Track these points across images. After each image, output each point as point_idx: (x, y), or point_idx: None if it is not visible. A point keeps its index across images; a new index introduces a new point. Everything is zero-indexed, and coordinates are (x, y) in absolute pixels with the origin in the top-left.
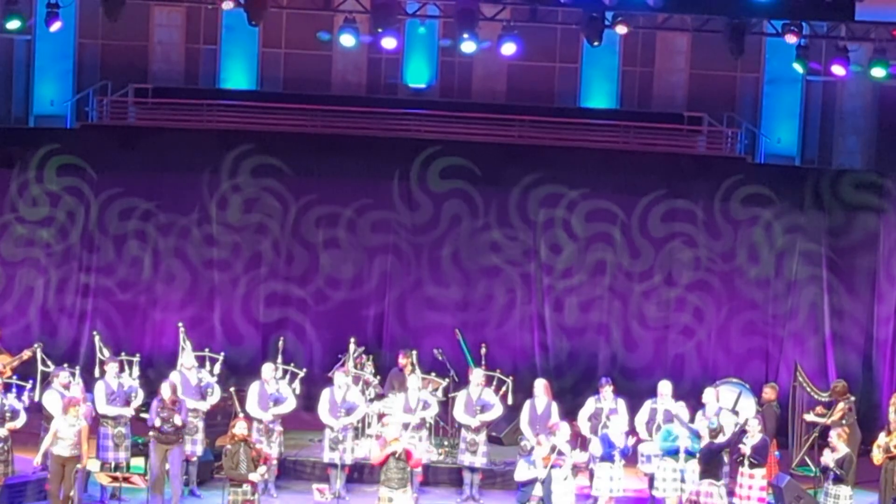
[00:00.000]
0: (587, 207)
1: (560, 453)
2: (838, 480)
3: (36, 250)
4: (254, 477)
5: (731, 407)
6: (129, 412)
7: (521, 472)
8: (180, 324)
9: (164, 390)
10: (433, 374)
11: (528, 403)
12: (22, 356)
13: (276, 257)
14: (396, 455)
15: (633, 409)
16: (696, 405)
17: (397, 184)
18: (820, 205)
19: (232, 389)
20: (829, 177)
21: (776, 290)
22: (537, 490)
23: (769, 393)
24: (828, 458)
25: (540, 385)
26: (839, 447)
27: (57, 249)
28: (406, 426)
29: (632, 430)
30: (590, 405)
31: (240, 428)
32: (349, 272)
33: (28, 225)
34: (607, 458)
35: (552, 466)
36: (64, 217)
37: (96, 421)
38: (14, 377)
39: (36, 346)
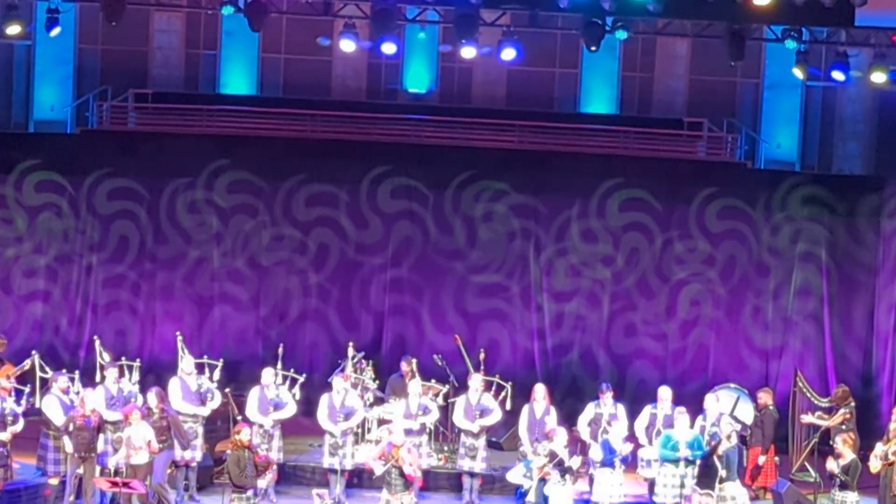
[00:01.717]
0: (587, 212)
1: (560, 463)
2: (844, 487)
3: (36, 254)
4: (261, 483)
5: (729, 412)
6: None
7: (515, 475)
8: (178, 333)
9: (151, 399)
10: (433, 380)
11: (526, 408)
12: (24, 366)
13: (275, 262)
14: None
15: (632, 415)
16: (696, 411)
17: (396, 188)
18: (819, 210)
19: (227, 390)
20: (829, 182)
21: (776, 295)
22: (531, 496)
23: (764, 398)
24: (833, 465)
25: (539, 390)
26: (845, 453)
27: (57, 253)
28: (408, 432)
29: (631, 436)
30: (589, 410)
31: (244, 434)
32: (349, 277)
33: (28, 229)
34: (608, 463)
35: (542, 478)
36: (64, 220)
37: None
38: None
39: (34, 353)
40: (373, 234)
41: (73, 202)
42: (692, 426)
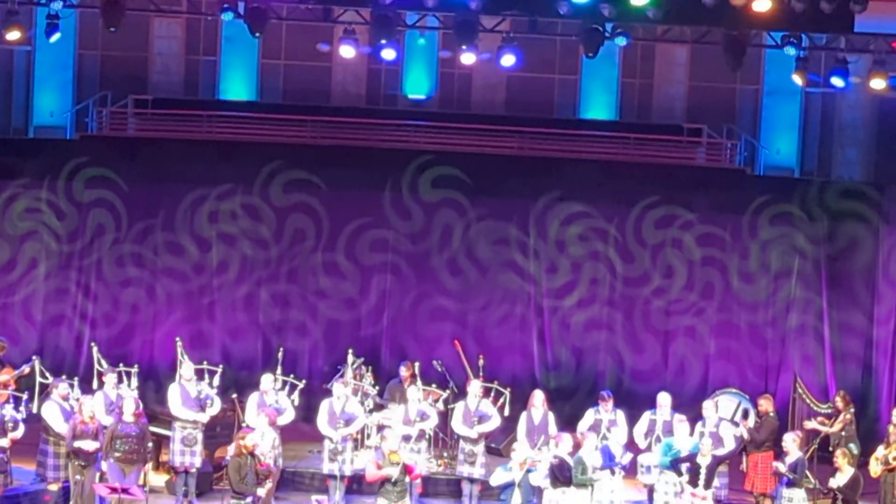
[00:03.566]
0: (587, 218)
1: (565, 468)
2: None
3: (34, 260)
4: (260, 492)
5: (730, 417)
6: None
7: (497, 477)
8: (178, 339)
9: (127, 405)
10: (434, 385)
11: (524, 415)
12: (23, 371)
13: (275, 271)
14: (392, 479)
15: (631, 420)
16: (695, 417)
17: (396, 195)
18: (819, 216)
19: (234, 397)
20: (828, 188)
21: (775, 302)
22: (516, 498)
23: (764, 405)
24: (834, 482)
25: (537, 396)
26: (844, 468)
27: (56, 259)
28: (406, 438)
29: (630, 442)
30: (589, 416)
31: (249, 440)
32: (349, 282)
33: (25, 235)
34: (606, 467)
35: (528, 470)
36: (62, 226)
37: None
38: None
39: (34, 359)
40: (373, 240)
41: (68, 208)
42: (692, 433)
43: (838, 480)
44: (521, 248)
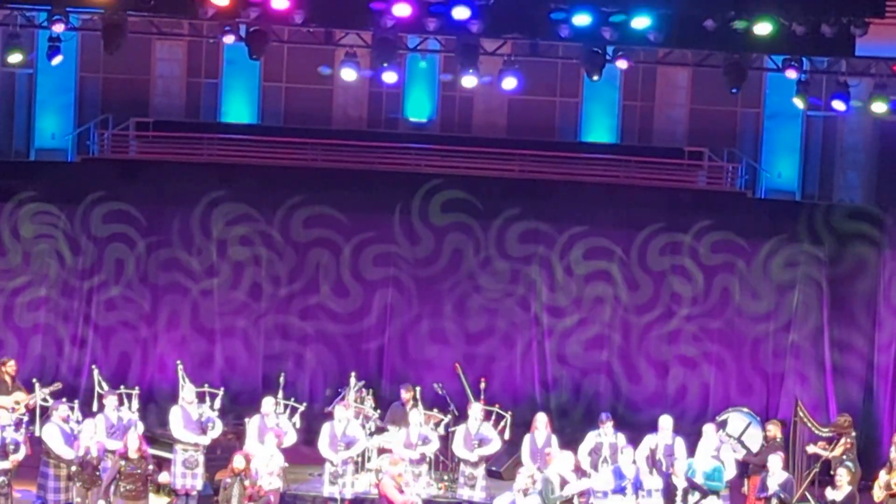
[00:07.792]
0: (588, 242)
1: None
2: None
3: (35, 283)
4: None
5: (737, 435)
6: None
7: (502, 500)
8: (179, 362)
9: (131, 439)
10: (435, 409)
11: (528, 437)
12: (33, 399)
13: (276, 291)
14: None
15: (633, 444)
16: (695, 440)
17: (398, 217)
18: (820, 239)
19: (226, 430)
20: (829, 211)
21: (776, 325)
22: None
23: (773, 430)
24: (831, 495)
25: (540, 419)
26: (843, 486)
27: (57, 282)
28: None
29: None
30: (590, 440)
31: (237, 462)
32: (350, 306)
33: (28, 257)
34: (619, 490)
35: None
36: (64, 248)
37: None
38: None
39: (35, 382)
40: (373, 263)
41: (72, 231)
42: (692, 455)
43: (835, 495)
44: (522, 271)
